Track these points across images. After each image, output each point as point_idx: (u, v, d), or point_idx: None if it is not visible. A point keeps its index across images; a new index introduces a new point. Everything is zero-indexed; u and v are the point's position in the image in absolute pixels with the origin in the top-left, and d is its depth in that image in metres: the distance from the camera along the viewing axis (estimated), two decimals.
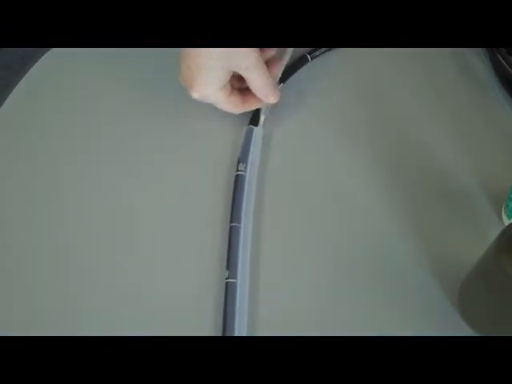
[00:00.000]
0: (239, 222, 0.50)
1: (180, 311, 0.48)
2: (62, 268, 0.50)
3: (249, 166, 0.53)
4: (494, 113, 0.56)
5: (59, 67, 0.60)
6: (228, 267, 0.48)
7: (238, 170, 0.53)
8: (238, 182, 0.52)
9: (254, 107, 0.55)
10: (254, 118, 0.55)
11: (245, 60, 0.50)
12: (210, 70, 0.50)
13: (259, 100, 0.54)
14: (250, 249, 0.50)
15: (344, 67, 0.59)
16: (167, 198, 0.53)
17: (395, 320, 0.47)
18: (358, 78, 0.58)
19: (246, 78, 0.52)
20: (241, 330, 0.46)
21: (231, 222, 0.50)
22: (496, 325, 0.45)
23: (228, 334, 0.46)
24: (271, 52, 0.55)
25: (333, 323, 0.47)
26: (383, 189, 0.52)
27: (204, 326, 0.47)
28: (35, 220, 0.53)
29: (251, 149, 0.54)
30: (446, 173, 0.53)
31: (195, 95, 0.51)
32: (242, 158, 0.53)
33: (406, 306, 0.47)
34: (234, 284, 0.47)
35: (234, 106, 0.54)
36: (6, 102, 0.59)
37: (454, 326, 0.46)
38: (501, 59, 0.56)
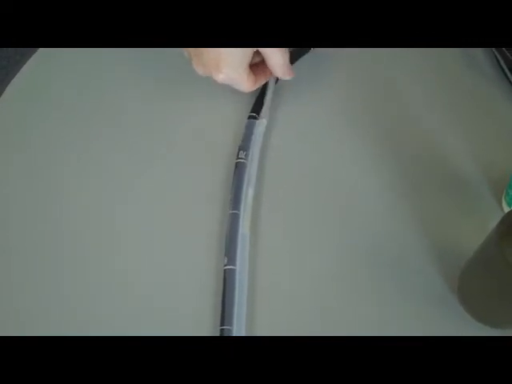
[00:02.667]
0: (238, 210, 0.50)
1: (178, 298, 0.48)
2: (59, 267, 0.50)
3: (250, 155, 0.53)
4: (496, 102, 0.55)
5: (58, 57, 0.60)
6: (226, 254, 0.48)
7: (238, 158, 0.52)
8: (238, 170, 0.52)
9: (262, 83, 0.55)
10: (255, 106, 0.55)
11: None
12: (237, 50, 0.49)
13: (267, 76, 0.54)
14: (249, 236, 0.50)
15: (346, 56, 0.58)
16: (167, 186, 0.53)
17: (395, 307, 0.47)
18: (360, 66, 0.58)
19: (266, 56, 0.51)
20: (240, 318, 0.46)
21: (231, 209, 0.50)
22: (495, 312, 0.45)
23: (226, 323, 0.45)
24: None
25: (333, 309, 0.47)
26: (384, 177, 0.52)
27: (203, 313, 0.47)
28: (34, 215, 0.52)
29: (252, 138, 0.53)
30: (447, 160, 0.53)
31: (221, 77, 0.50)
32: (243, 147, 0.53)
33: (405, 294, 0.47)
34: (233, 271, 0.47)
35: (251, 84, 0.53)
36: (5, 92, 0.58)
37: (454, 314, 0.46)
38: (505, 50, 0.56)
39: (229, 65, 0.49)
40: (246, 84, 0.52)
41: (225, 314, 0.46)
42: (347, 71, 0.58)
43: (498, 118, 0.55)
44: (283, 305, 0.47)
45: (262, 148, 0.54)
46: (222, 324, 0.45)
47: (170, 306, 0.48)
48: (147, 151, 0.55)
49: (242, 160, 0.52)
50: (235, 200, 0.51)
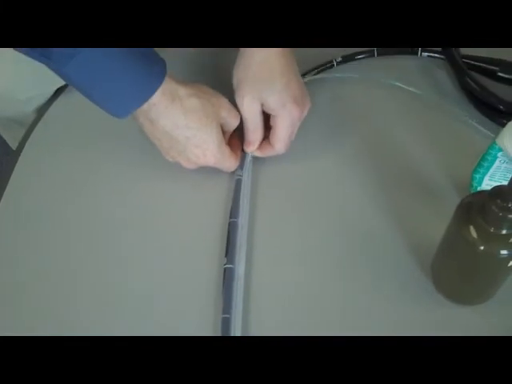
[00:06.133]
0: (237, 218, 0.54)
1: (181, 297, 0.50)
2: (59, 266, 0.51)
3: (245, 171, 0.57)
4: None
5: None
6: (224, 309, 0.49)
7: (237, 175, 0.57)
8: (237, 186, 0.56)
9: (239, 153, 0.59)
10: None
11: (223, 108, 0.55)
12: (209, 133, 0.53)
13: (240, 147, 0.59)
14: (246, 241, 0.53)
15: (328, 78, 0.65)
16: (167, 194, 0.56)
17: (376, 293, 0.50)
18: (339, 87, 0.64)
19: (224, 123, 0.55)
20: (237, 313, 0.49)
21: (230, 217, 0.54)
22: (465, 289, 0.48)
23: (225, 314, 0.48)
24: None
25: (322, 306, 0.50)
26: (368, 186, 0.57)
27: (203, 311, 0.49)
28: (37, 216, 0.54)
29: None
30: (420, 168, 0.58)
31: (213, 161, 0.55)
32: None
33: (385, 282, 0.51)
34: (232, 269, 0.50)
35: (234, 160, 0.57)
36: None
37: (429, 296, 0.49)
38: (468, 80, 0.62)
39: (212, 150, 0.54)
40: (230, 160, 0.56)
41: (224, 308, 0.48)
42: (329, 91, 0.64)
43: (462, 136, 0.60)
44: (277, 301, 0.50)
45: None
46: None
47: (171, 301, 0.50)
48: (147, 154, 0.56)
49: (239, 177, 0.57)
50: (234, 209, 0.54)
